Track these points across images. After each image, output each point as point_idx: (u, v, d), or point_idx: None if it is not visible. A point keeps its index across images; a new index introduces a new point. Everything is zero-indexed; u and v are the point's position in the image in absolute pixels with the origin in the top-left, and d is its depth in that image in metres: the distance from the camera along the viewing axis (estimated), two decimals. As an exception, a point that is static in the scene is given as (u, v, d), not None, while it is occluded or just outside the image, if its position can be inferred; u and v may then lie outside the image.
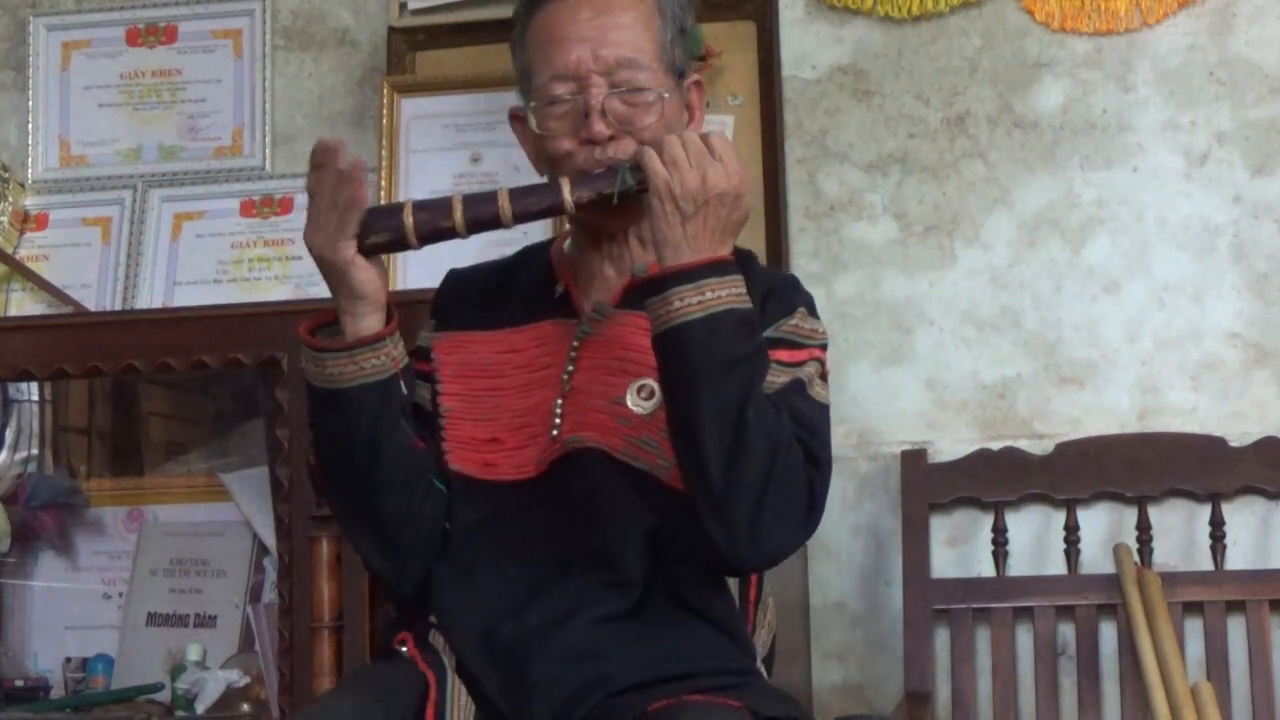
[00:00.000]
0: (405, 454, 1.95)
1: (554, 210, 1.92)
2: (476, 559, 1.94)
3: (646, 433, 1.91)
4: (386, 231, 1.89)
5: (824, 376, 1.97)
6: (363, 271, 1.89)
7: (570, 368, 1.96)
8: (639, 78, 1.95)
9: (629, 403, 1.93)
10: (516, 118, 2.07)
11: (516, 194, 1.91)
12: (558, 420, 1.94)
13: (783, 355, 1.92)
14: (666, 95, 1.97)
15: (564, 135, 1.96)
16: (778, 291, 1.98)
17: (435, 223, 1.89)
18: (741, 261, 1.89)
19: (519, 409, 1.99)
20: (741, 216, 1.86)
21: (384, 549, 1.97)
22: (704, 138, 1.86)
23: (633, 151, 1.92)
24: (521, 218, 1.91)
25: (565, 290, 2.03)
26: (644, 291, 1.85)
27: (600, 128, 1.94)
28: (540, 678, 1.84)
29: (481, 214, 1.90)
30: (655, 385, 1.91)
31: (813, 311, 2.01)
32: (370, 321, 1.92)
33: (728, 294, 1.82)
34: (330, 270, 1.89)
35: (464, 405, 2.01)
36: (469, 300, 2.08)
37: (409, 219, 1.89)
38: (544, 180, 1.99)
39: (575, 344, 1.97)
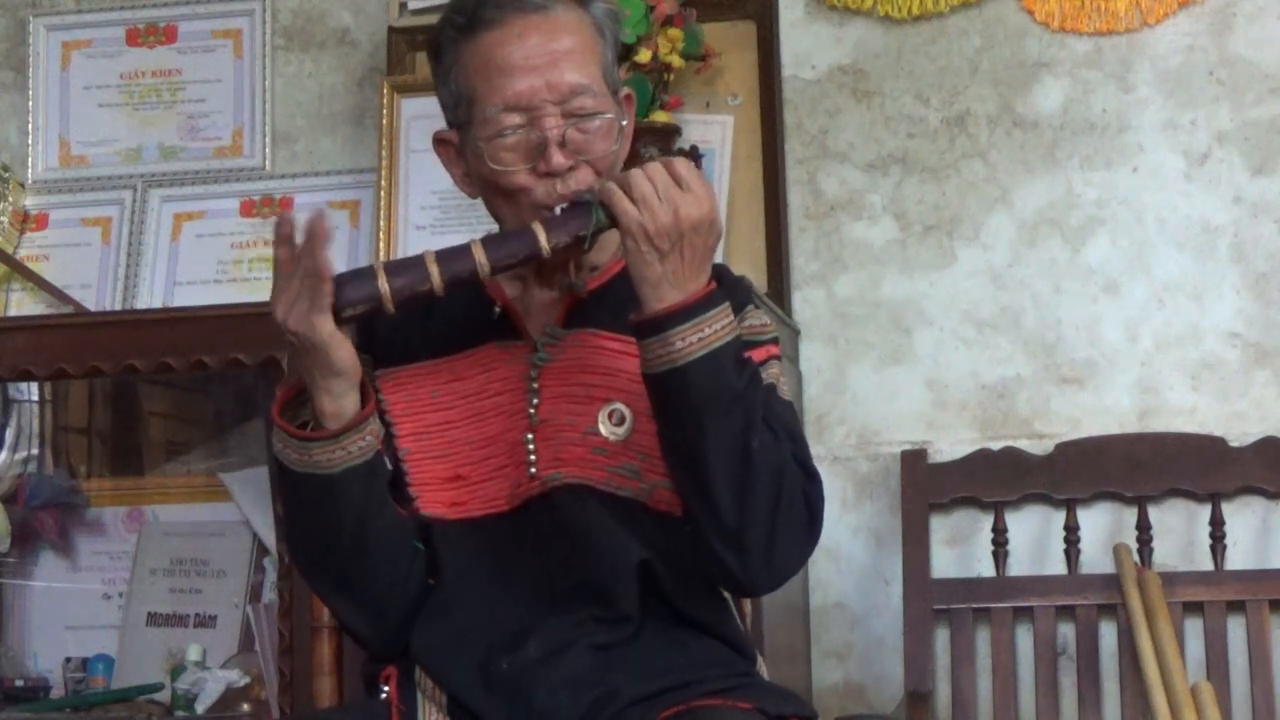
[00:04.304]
0: (392, 529, 1.90)
1: (532, 258, 1.84)
2: (460, 597, 1.91)
3: (624, 459, 1.88)
4: (362, 303, 1.79)
5: (782, 371, 1.96)
6: (342, 348, 1.80)
7: (535, 400, 1.92)
8: (591, 104, 1.89)
9: (602, 431, 1.89)
10: (443, 142, 1.99)
11: (490, 244, 1.83)
12: (533, 457, 1.90)
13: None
14: (617, 119, 1.92)
15: (519, 168, 1.89)
16: (724, 291, 1.92)
17: (413, 288, 1.80)
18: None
19: (477, 440, 1.93)
20: (716, 240, 1.83)
21: (370, 618, 1.93)
22: (668, 165, 1.81)
23: (591, 182, 1.87)
24: (499, 269, 1.83)
25: (503, 311, 1.96)
26: (638, 329, 1.80)
27: (560, 160, 1.87)
28: (549, 703, 1.83)
29: (458, 270, 1.81)
30: (625, 409, 1.89)
31: (757, 304, 2.00)
32: (350, 400, 1.84)
33: (723, 326, 1.80)
34: (308, 348, 1.80)
35: (421, 444, 1.94)
36: (399, 329, 1.97)
37: (384, 286, 1.79)
38: (514, 229, 1.88)
39: (534, 374, 1.92)
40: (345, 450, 1.84)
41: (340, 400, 1.84)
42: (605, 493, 1.88)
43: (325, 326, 1.78)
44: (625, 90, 1.98)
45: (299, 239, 1.77)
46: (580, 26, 1.92)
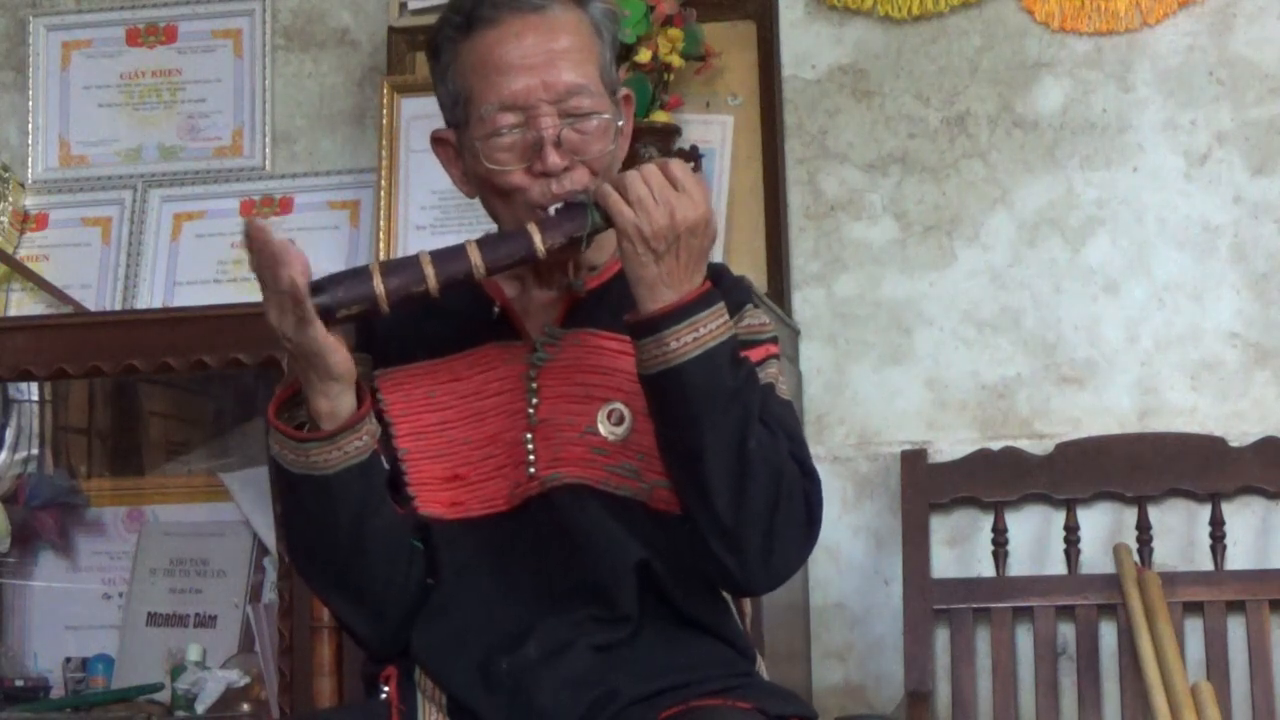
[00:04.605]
0: (390, 529, 1.90)
1: (527, 259, 1.84)
2: (460, 597, 1.91)
3: (623, 459, 1.88)
4: (357, 303, 1.79)
5: (780, 370, 1.95)
6: (337, 353, 1.79)
7: (534, 400, 1.92)
8: (588, 104, 1.89)
9: (601, 430, 1.89)
10: (441, 141, 1.99)
11: (486, 245, 1.83)
12: (531, 457, 1.90)
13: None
14: (614, 119, 1.91)
15: (515, 167, 1.89)
16: (723, 290, 1.90)
17: (408, 288, 1.80)
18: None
19: (476, 440, 1.93)
20: (711, 242, 1.83)
21: (369, 617, 1.93)
22: (663, 167, 1.81)
23: (587, 182, 1.87)
24: (494, 270, 1.83)
25: (502, 311, 1.96)
26: (633, 329, 1.80)
27: (556, 160, 1.87)
28: (549, 703, 1.83)
29: (453, 271, 1.81)
30: (624, 409, 1.89)
31: (756, 303, 1.99)
32: (346, 400, 1.84)
33: (718, 325, 1.80)
34: (302, 354, 1.80)
35: (419, 444, 1.94)
36: (398, 329, 1.97)
37: (379, 286, 1.79)
38: (510, 229, 1.89)
39: (532, 373, 1.92)
40: (341, 450, 1.84)
41: (336, 401, 1.83)
42: (604, 492, 1.88)
43: (316, 335, 1.78)
44: (623, 91, 1.98)
45: (273, 247, 1.75)
46: (578, 26, 1.92)
